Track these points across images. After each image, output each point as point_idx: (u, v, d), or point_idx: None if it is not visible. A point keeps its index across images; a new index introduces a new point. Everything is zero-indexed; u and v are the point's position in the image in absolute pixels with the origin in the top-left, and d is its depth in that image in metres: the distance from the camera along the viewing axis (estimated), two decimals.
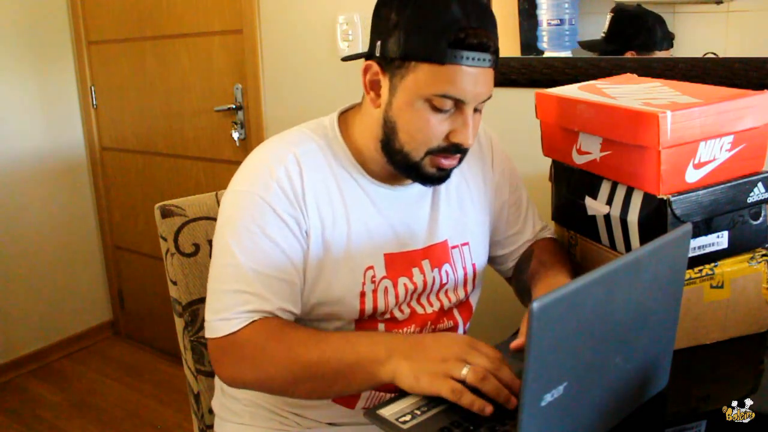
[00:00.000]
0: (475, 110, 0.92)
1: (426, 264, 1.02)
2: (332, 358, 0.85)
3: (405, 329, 1.01)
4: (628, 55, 1.41)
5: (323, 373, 0.86)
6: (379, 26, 0.92)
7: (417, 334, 0.87)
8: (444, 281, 1.04)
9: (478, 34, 0.86)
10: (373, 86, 0.94)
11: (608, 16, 1.44)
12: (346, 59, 1.03)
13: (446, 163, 0.93)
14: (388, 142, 0.94)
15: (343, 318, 0.99)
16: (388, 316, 1.00)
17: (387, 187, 1.00)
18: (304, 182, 0.94)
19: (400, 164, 0.95)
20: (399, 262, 1.00)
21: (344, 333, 0.94)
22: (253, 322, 0.90)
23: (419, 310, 1.03)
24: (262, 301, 0.91)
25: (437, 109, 0.89)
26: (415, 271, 1.01)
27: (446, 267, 1.04)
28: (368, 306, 0.98)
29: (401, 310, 1.01)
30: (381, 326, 1.00)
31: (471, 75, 0.87)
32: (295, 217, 0.93)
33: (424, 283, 1.02)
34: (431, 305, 1.04)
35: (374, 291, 0.98)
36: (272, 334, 0.90)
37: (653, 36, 1.40)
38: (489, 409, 0.74)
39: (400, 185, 1.01)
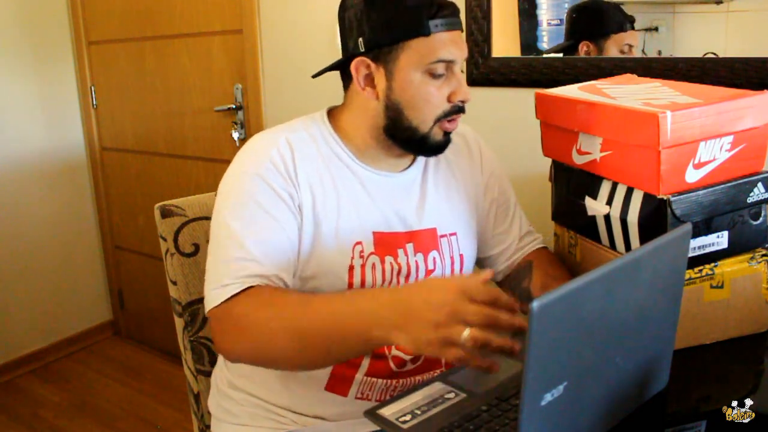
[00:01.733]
0: (461, 71, 1.02)
1: (410, 247, 1.04)
2: (324, 323, 0.85)
3: None
4: (583, 47, 1.45)
5: (315, 339, 0.86)
6: (352, 26, 0.99)
7: (406, 292, 0.81)
8: (431, 268, 1.06)
9: (446, 3, 0.98)
10: (368, 81, 1.00)
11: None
12: (318, 74, 1.09)
13: (451, 126, 1.02)
14: (394, 125, 1.00)
15: (334, 289, 1.00)
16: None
17: (377, 172, 1.05)
18: (296, 162, 0.99)
19: (408, 140, 1.01)
20: (386, 241, 1.03)
21: (334, 296, 0.93)
22: (249, 288, 0.91)
23: None
24: (259, 266, 0.93)
25: (434, 76, 0.98)
26: (400, 252, 1.04)
27: (434, 254, 1.06)
28: (356, 280, 1.00)
29: (387, 286, 1.03)
30: None
31: (452, 38, 0.98)
32: (288, 191, 0.97)
33: (408, 267, 1.04)
34: None
35: (362, 266, 1.00)
36: (266, 300, 0.91)
37: (602, 20, 1.46)
38: (496, 367, 0.75)
39: (390, 171, 1.06)
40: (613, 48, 1.42)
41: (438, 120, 1.00)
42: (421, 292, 0.78)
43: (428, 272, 1.06)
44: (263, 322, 0.89)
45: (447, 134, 1.02)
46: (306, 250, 0.99)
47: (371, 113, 1.02)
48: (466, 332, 0.72)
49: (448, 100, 0.99)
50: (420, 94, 0.98)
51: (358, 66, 0.99)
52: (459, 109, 1.01)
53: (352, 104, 1.05)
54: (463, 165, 1.15)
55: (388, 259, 1.02)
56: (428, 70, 0.97)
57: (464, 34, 1.03)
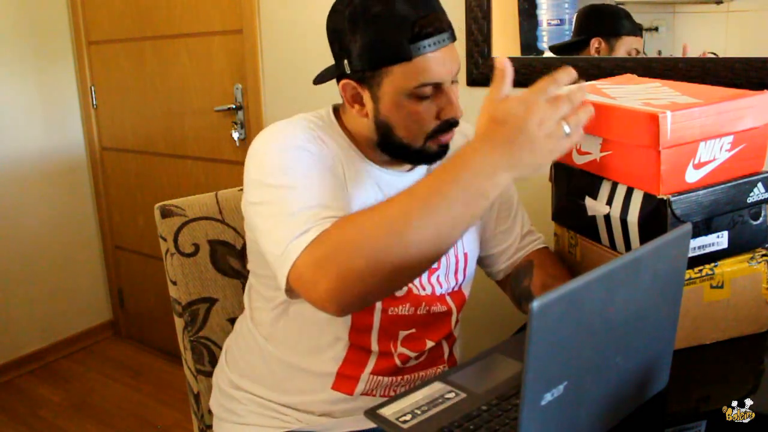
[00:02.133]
0: (452, 82, 0.97)
1: None
2: (434, 186, 0.80)
3: (401, 307, 1.03)
4: (594, 42, 1.44)
5: (433, 205, 0.79)
6: (339, 47, 0.97)
7: (498, 139, 0.79)
8: (434, 266, 1.06)
9: (430, 20, 0.91)
10: (356, 100, 0.99)
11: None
12: (317, 83, 1.07)
13: (445, 139, 0.99)
14: (386, 140, 0.99)
15: None
16: None
17: (383, 169, 1.04)
18: (327, 146, 0.99)
19: (402, 153, 1.00)
20: None
21: (418, 183, 0.84)
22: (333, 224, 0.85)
23: (415, 290, 1.04)
24: (330, 210, 0.87)
25: (421, 98, 0.94)
26: None
27: None
28: None
29: None
30: (378, 303, 1.01)
31: (438, 58, 0.92)
32: (326, 157, 0.96)
33: None
34: (423, 288, 1.05)
35: None
36: (346, 222, 0.84)
37: (617, 20, 1.44)
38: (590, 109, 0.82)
39: (397, 170, 1.05)
40: (622, 49, 1.43)
41: (429, 137, 0.97)
42: (514, 124, 0.79)
43: (432, 270, 1.06)
44: (363, 221, 0.82)
45: (443, 145, 1.00)
46: None
47: (365, 126, 1.00)
48: (566, 128, 0.79)
49: (438, 117, 0.96)
50: (408, 115, 0.95)
51: (345, 87, 0.98)
52: (450, 125, 0.97)
53: (349, 116, 1.04)
54: None
55: None
56: (413, 93, 0.93)
57: (459, 42, 0.98)
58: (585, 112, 0.81)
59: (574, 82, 0.82)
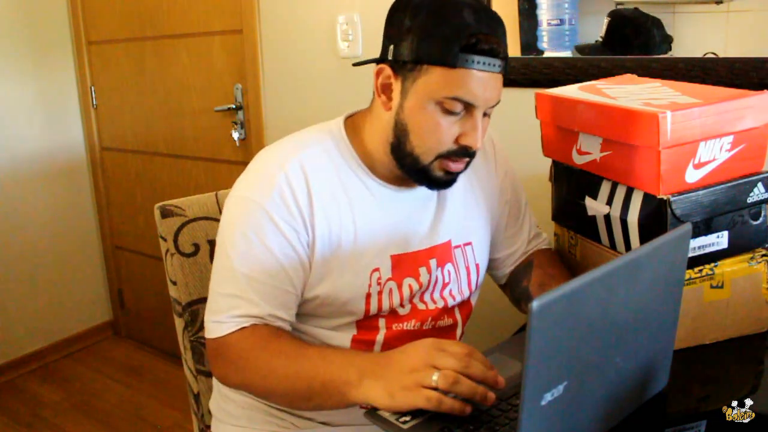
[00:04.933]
0: (485, 114, 0.93)
1: (433, 263, 1.03)
2: (307, 375, 0.86)
3: (406, 323, 1.02)
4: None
5: (298, 388, 0.87)
6: (392, 31, 0.93)
7: (385, 352, 0.85)
8: (446, 280, 1.05)
9: (489, 39, 0.88)
10: (385, 90, 0.95)
11: (605, 21, 1.43)
12: (357, 64, 1.04)
13: (454, 167, 0.95)
14: (399, 144, 0.95)
15: (346, 317, 0.99)
16: (389, 310, 1.01)
17: (393, 188, 1.01)
18: (310, 187, 0.95)
19: (409, 167, 0.96)
20: (405, 263, 1.00)
21: (323, 349, 0.92)
22: (242, 328, 0.93)
23: (420, 306, 1.03)
24: (252, 306, 0.93)
25: (448, 112, 0.90)
26: (422, 270, 1.02)
27: (449, 266, 1.05)
28: (373, 307, 0.99)
29: (402, 306, 1.02)
30: (382, 321, 1.01)
31: (481, 79, 0.89)
32: (293, 226, 0.94)
33: (429, 282, 1.02)
34: (434, 302, 1.04)
35: (380, 293, 0.99)
36: (257, 342, 0.92)
37: (651, 39, 1.39)
38: (468, 409, 0.75)
39: (406, 188, 1.01)
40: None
41: (440, 156, 0.93)
42: (399, 349, 0.82)
43: (444, 285, 1.05)
44: (254, 362, 0.91)
45: (450, 174, 0.96)
46: (320, 278, 0.96)
47: (383, 125, 0.96)
48: (436, 375, 0.75)
49: (457, 140, 0.92)
50: (428, 124, 0.91)
51: (380, 72, 0.95)
52: (465, 153, 0.93)
53: (374, 108, 0.99)
54: (479, 169, 1.11)
55: (407, 281, 1.00)
56: (442, 103, 0.89)
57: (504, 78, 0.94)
58: (467, 387, 0.75)
59: None
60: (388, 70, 0.93)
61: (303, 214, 0.94)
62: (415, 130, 0.93)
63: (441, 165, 0.94)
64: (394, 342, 1.00)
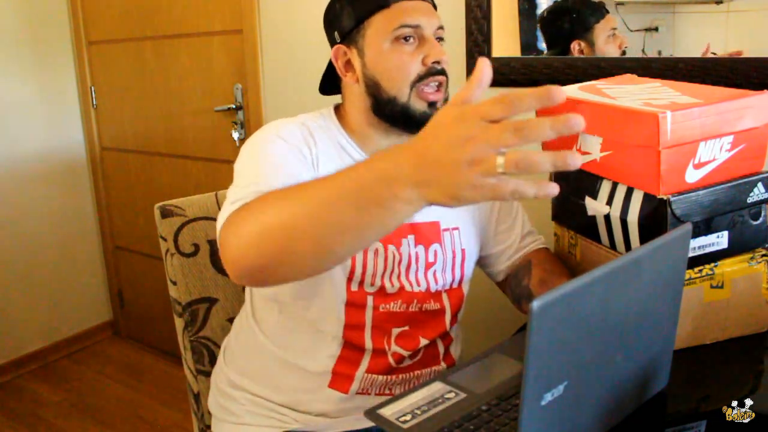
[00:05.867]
0: (438, 39, 1.02)
1: (411, 239, 1.05)
2: (339, 183, 0.70)
3: (393, 304, 1.04)
4: (575, 46, 1.45)
5: (330, 202, 0.71)
6: (330, 18, 1.06)
7: (420, 146, 0.64)
8: (431, 260, 1.07)
9: None
10: (347, 66, 1.05)
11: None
12: (322, 90, 1.14)
13: (430, 92, 1.00)
14: (377, 100, 1.02)
15: (334, 276, 1.00)
16: (379, 284, 1.03)
17: None
18: (316, 142, 1.02)
19: (391, 115, 1.01)
20: None
21: (339, 172, 0.73)
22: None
23: (407, 287, 1.05)
24: (270, 185, 0.87)
25: (402, 41, 0.99)
26: (403, 241, 1.04)
27: (435, 247, 1.07)
28: (358, 263, 1.00)
29: (391, 282, 1.03)
30: (370, 299, 1.03)
31: (415, 7, 1.00)
32: (305, 149, 1.00)
33: (409, 257, 1.04)
34: (419, 284, 1.06)
35: (365, 250, 1.01)
36: (269, 194, 0.82)
37: (580, 15, 1.46)
38: (555, 188, 0.60)
39: None
40: (601, 36, 1.43)
41: (414, 85, 0.99)
42: (437, 135, 0.62)
43: (429, 264, 1.07)
44: (275, 195, 0.79)
45: (431, 104, 1.00)
46: None
47: (358, 98, 1.04)
48: (500, 159, 0.58)
49: (423, 63, 1.00)
50: (391, 61, 0.99)
51: (337, 54, 1.05)
52: (436, 72, 1.00)
53: (346, 97, 1.08)
54: None
55: (391, 247, 1.03)
56: (394, 36, 0.99)
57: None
58: (545, 158, 0.57)
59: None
60: (342, 48, 1.04)
61: (312, 154, 1.01)
62: (383, 75, 1.00)
63: (418, 94, 1.00)
64: (382, 324, 1.03)
